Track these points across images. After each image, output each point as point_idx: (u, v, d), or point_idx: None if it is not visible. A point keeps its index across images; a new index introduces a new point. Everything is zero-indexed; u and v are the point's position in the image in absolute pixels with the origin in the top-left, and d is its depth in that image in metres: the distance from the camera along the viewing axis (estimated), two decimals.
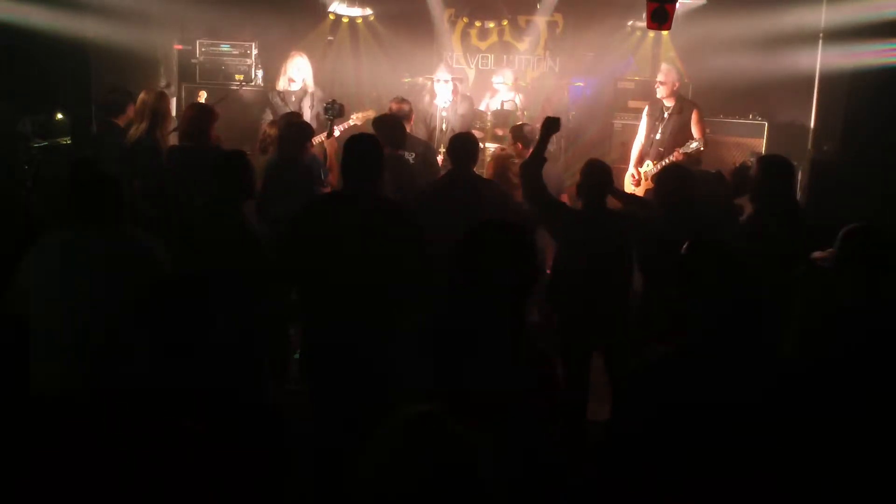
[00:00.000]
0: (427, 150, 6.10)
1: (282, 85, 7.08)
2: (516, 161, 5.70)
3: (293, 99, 6.95)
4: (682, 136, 6.65)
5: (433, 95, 7.21)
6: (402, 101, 6.27)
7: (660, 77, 6.83)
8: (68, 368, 2.98)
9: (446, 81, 7.14)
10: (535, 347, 2.43)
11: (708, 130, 8.15)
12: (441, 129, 6.96)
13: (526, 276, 2.44)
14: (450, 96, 7.12)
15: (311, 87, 7.07)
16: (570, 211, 4.56)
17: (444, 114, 7.04)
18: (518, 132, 6.02)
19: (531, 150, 5.76)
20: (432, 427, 1.59)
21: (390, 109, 6.08)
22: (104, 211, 3.19)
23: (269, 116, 6.86)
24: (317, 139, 5.84)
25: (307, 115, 6.75)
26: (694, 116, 6.69)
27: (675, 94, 6.76)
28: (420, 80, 8.16)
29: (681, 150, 6.51)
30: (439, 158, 6.25)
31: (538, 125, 6.09)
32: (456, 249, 2.45)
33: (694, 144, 6.50)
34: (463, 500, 1.54)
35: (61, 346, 3.02)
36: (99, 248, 3.13)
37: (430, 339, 2.41)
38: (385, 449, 1.57)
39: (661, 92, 6.79)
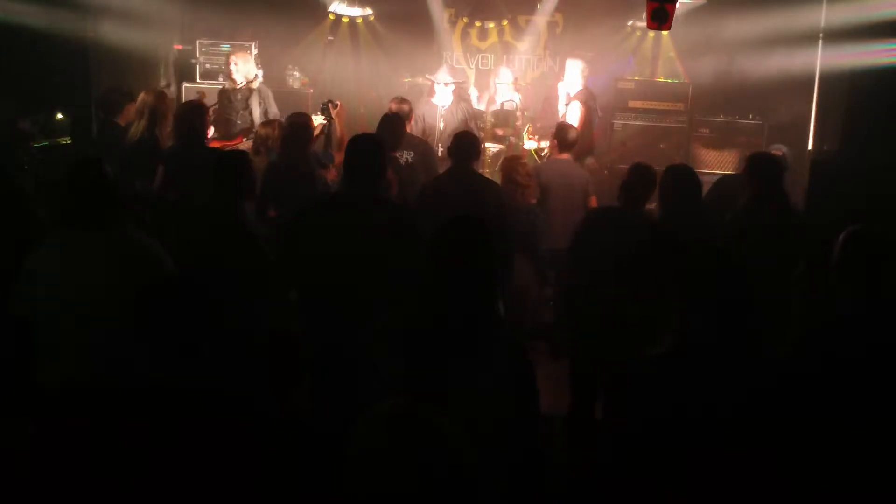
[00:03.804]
0: (426, 150, 6.10)
1: (229, 84, 7.00)
2: (525, 162, 5.75)
3: (238, 97, 6.85)
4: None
5: (431, 94, 7.21)
6: (403, 100, 6.27)
7: (565, 72, 7.39)
8: (72, 370, 2.97)
9: (447, 84, 7.14)
10: (514, 342, 2.44)
11: (709, 130, 8.18)
12: (439, 129, 6.97)
13: (490, 273, 2.45)
14: (450, 97, 7.13)
15: (256, 82, 6.96)
16: (599, 219, 4.40)
17: (442, 112, 7.06)
18: (562, 132, 6.01)
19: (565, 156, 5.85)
20: (416, 424, 1.59)
21: (390, 109, 6.07)
22: (105, 212, 3.18)
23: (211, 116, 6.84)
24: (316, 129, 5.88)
25: (256, 114, 6.72)
26: (572, 107, 7.05)
27: (576, 89, 7.17)
28: (420, 79, 8.16)
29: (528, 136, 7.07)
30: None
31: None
32: (426, 248, 2.46)
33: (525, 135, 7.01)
34: (448, 497, 1.54)
35: (65, 348, 3.01)
36: (100, 249, 3.12)
37: (413, 336, 2.41)
38: (369, 447, 1.57)
39: (564, 86, 7.29)
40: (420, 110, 6.87)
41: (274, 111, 6.85)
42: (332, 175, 5.41)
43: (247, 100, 6.84)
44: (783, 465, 2.25)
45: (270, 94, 7.08)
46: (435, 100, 7.12)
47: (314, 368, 3.59)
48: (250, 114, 6.71)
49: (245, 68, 6.93)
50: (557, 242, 5.65)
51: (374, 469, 1.55)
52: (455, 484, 1.56)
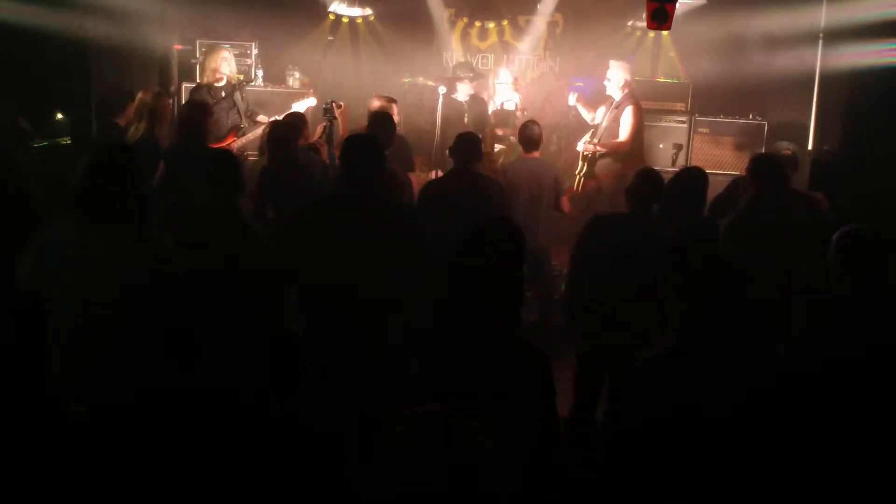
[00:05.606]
0: (402, 144, 5.89)
1: (209, 79, 6.86)
2: (494, 158, 5.71)
3: (223, 94, 6.74)
4: (614, 129, 6.82)
5: (452, 91, 7.26)
6: (390, 99, 6.18)
7: (608, 74, 7.06)
8: (72, 369, 2.95)
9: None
10: (533, 346, 2.44)
11: (709, 130, 8.18)
12: (464, 123, 7.00)
13: (521, 275, 2.46)
14: (470, 93, 7.24)
15: (234, 76, 6.91)
16: (606, 222, 4.30)
17: (464, 109, 7.15)
18: (524, 130, 5.92)
19: (534, 154, 5.81)
20: (438, 428, 1.59)
21: (380, 107, 6.01)
22: (118, 204, 3.09)
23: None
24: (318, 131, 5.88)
25: (242, 110, 6.69)
26: (626, 112, 6.76)
27: (623, 90, 6.90)
28: (420, 79, 8.16)
29: (587, 142, 6.84)
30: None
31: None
32: (457, 247, 2.46)
33: (586, 137, 6.82)
34: (467, 499, 1.55)
35: (64, 346, 2.98)
36: (117, 245, 3.05)
37: (430, 338, 2.41)
38: (395, 451, 1.58)
39: (608, 88, 7.02)
40: (436, 105, 6.84)
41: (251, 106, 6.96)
42: (324, 154, 5.40)
43: (231, 97, 6.82)
44: (783, 465, 2.25)
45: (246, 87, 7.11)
46: (456, 96, 7.22)
47: (314, 368, 3.58)
48: (238, 112, 6.73)
49: (233, 65, 6.93)
50: None
51: (405, 474, 1.56)
52: (472, 489, 1.57)
